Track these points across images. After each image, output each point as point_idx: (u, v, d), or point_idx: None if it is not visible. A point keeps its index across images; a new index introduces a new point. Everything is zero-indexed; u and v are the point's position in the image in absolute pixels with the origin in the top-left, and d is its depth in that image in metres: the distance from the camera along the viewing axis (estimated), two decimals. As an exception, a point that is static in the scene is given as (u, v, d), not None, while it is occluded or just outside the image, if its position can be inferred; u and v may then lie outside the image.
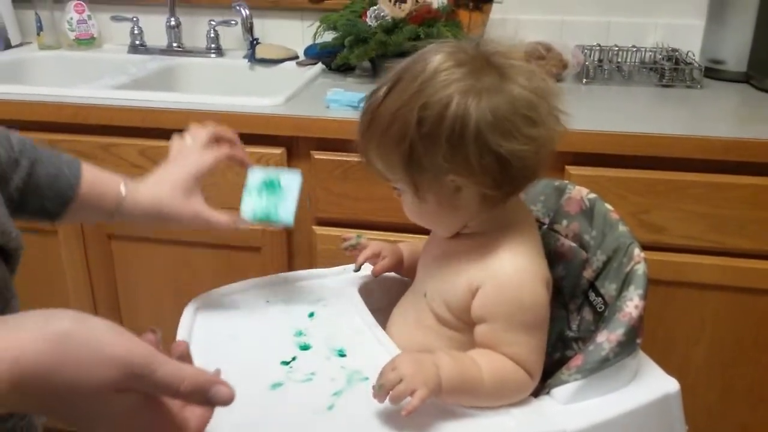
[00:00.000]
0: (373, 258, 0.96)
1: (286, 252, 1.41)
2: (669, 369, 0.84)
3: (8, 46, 1.92)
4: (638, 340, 0.78)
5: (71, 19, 1.89)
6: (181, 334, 0.86)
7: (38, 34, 1.91)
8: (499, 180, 0.75)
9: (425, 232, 0.88)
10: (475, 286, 0.78)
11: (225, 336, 0.86)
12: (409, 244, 0.98)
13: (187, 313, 0.90)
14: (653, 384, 0.80)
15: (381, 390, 0.70)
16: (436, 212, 0.80)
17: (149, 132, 1.36)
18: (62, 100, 1.39)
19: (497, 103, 0.72)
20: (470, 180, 0.75)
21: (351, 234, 0.99)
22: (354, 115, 1.29)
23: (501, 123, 0.72)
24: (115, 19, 1.90)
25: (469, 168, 0.73)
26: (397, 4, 1.54)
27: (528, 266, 0.78)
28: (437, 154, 0.73)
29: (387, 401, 0.70)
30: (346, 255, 0.97)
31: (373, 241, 0.97)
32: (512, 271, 0.77)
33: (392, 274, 1.01)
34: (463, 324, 0.81)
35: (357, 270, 0.97)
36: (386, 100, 0.76)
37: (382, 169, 0.80)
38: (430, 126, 0.72)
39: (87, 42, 1.92)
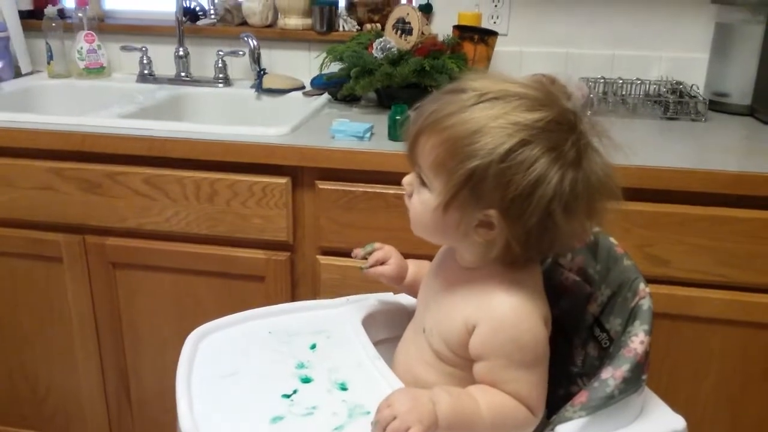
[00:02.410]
0: (381, 262, 0.95)
1: (289, 281, 1.41)
2: (675, 404, 0.83)
3: (18, 74, 1.94)
4: (644, 377, 0.77)
5: (81, 48, 1.91)
6: (182, 365, 0.85)
7: (48, 63, 1.93)
8: (532, 242, 0.75)
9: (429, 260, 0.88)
10: (472, 324, 0.77)
11: (226, 367, 0.86)
12: (416, 264, 0.97)
13: (189, 343, 0.90)
14: (659, 421, 0.79)
15: (377, 427, 0.69)
16: (447, 228, 0.77)
17: (155, 161, 1.37)
18: (70, 128, 1.40)
19: (576, 179, 0.73)
20: (508, 226, 0.74)
21: (358, 249, 0.97)
22: (359, 146, 1.30)
23: (571, 201, 0.73)
24: (124, 48, 1.92)
25: (517, 218, 0.73)
26: (403, 36, 1.56)
27: (524, 304, 0.77)
28: (502, 191, 0.72)
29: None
30: (359, 269, 0.96)
31: (389, 246, 0.96)
32: (508, 310, 0.76)
33: (396, 302, 1.00)
34: (461, 360, 0.80)
35: (366, 268, 0.95)
36: (482, 107, 0.73)
37: (425, 162, 0.76)
38: (514, 166, 0.70)
39: (96, 71, 1.95)
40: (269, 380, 0.83)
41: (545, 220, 0.72)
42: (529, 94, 0.74)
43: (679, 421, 0.80)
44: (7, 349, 1.60)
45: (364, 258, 0.96)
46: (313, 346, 0.90)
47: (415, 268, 0.97)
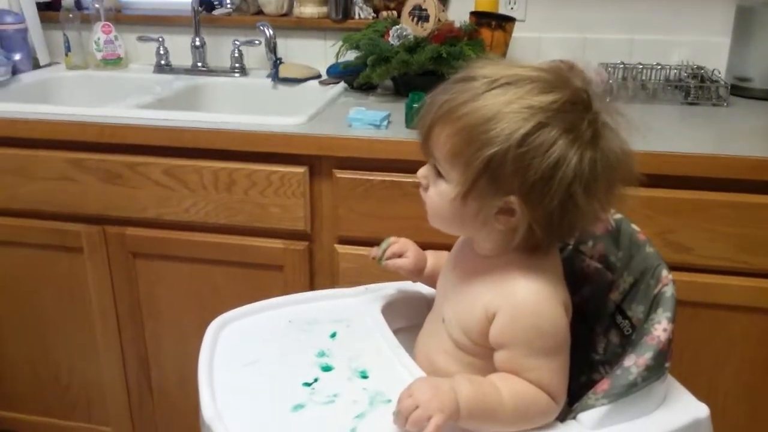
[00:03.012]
0: (399, 255, 0.95)
1: (308, 271, 1.41)
2: (696, 391, 0.82)
3: (37, 66, 1.95)
4: (667, 364, 0.76)
5: (98, 39, 1.92)
6: (203, 354, 0.86)
7: (66, 55, 1.94)
8: (553, 226, 0.74)
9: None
10: (492, 312, 0.77)
11: (247, 356, 0.86)
12: (434, 255, 0.97)
13: (210, 332, 0.90)
14: (682, 409, 0.79)
15: (399, 417, 0.70)
16: (466, 218, 0.77)
17: (174, 151, 1.38)
18: (88, 119, 1.41)
19: (594, 158, 0.72)
20: (530, 211, 0.73)
21: (374, 250, 0.97)
22: (376, 134, 1.30)
23: (591, 180, 0.72)
24: (141, 39, 1.93)
25: (539, 202, 0.72)
26: (420, 23, 1.55)
27: (544, 290, 0.76)
28: (521, 176, 0.71)
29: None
30: (376, 262, 0.96)
31: (405, 239, 0.96)
32: (528, 296, 0.76)
33: (415, 291, 1.00)
34: (481, 349, 0.80)
35: (381, 259, 0.95)
36: (495, 94, 0.72)
37: (440, 153, 0.75)
38: (533, 150, 0.70)
39: (114, 62, 1.95)
40: (290, 369, 0.83)
41: (566, 202, 0.72)
42: (541, 76, 0.73)
43: (703, 409, 0.79)
44: (30, 339, 1.62)
45: (379, 260, 0.95)
46: (333, 335, 0.90)
47: (433, 259, 0.97)
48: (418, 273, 0.96)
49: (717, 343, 1.28)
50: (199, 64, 1.90)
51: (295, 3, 1.88)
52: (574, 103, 0.72)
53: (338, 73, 1.69)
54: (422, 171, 0.80)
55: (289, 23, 1.87)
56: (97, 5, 1.91)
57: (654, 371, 0.75)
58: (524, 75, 0.73)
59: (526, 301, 0.76)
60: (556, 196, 0.71)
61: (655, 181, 1.20)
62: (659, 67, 1.64)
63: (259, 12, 1.92)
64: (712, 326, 1.27)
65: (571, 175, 0.71)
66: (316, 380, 0.81)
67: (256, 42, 1.84)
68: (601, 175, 0.73)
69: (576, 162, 0.71)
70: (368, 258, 0.97)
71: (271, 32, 1.78)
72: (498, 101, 0.71)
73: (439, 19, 1.53)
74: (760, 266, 1.22)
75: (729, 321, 1.26)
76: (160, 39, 1.92)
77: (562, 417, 0.78)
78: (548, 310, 0.76)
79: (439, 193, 0.77)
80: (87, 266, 1.51)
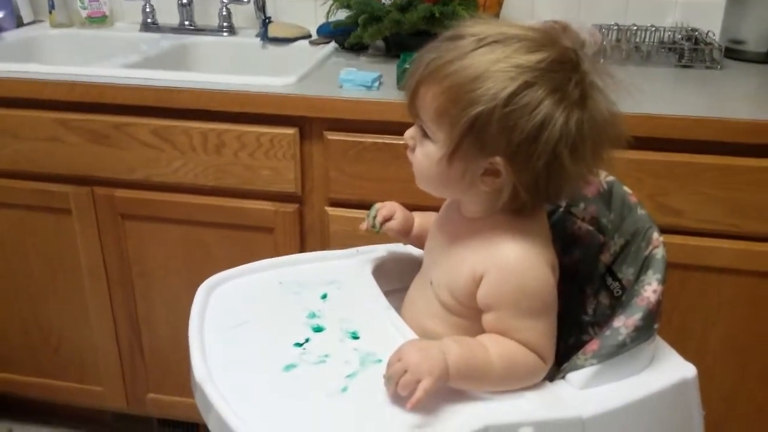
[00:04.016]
0: (388, 219, 0.95)
1: (298, 233, 1.41)
2: (685, 353, 0.83)
3: (20, 24, 1.91)
4: (656, 326, 0.77)
5: (83, -4, 1.88)
6: (194, 316, 0.86)
7: (50, 12, 1.90)
8: (540, 188, 0.74)
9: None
10: (479, 274, 0.77)
11: (238, 317, 0.86)
12: (421, 216, 0.97)
13: (200, 294, 0.90)
14: (670, 369, 0.80)
15: (390, 382, 0.70)
16: (452, 179, 0.76)
17: (162, 111, 1.36)
18: (74, 78, 1.39)
19: (581, 119, 0.71)
20: (515, 172, 0.72)
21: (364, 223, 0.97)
22: (367, 95, 1.28)
23: (578, 142, 0.71)
24: (127, -4, 1.89)
25: (524, 163, 0.71)
26: (412, -19, 1.52)
27: (530, 251, 0.76)
28: (507, 136, 0.70)
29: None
30: (368, 232, 0.96)
31: (390, 201, 0.96)
32: (514, 258, 0.76)
33: (406, 253, 1.00)
34: (469, 311, 0.80)
35: (377, 230, 0.95)
36: (482, 52, 0.71)
37: (426, 113, 0.75)
38: (519, 110, 0.69)
39: (99, 20, 1.91)
40: (281, 329, 0.83)
41: (552, 163, 0.71)
42: (529, 35, 0.72)
43: (690, 369, 0.80)
44: (20, 300, 1.62)
45: (374, 226, 0.95)
46: (324, 296, 0.90)
47: (420, 219, 0.97)
48: (406, 234, 0.96)
49: (705, 305, 1.29)
50: (187, 22, 1.86)
51: (284, -40, 1.84)
52: (561, 62, 0.71)
53: (329, 32, 1.67)
54: (409, 132, 0.80)
55: (279, -19, 1.83)
56: (81, -39, 1.87)
57: (643, 332, 0.76)
58: (512, 34, 0.72)
59: (513, 262, 0.76)
60: (541, 157, 0.71)
61: (647, 143, 1.20)
62: (653, 29, 1.62)
63: (248, -31, 1.87)
64: (701, 289, 1.28)
65: (557, 136, 0.70)
66: (307, 341, 0.81)
67: (245, 0, 1.81)
68: (588, 137, 0.72)
69: (562, 122, 0.70)
70: (359, 221, 0.97)
71: (260, -10, 1.75)
72: (485, 60, 0.70)
73: (431, -22, 1.50)
74: (750, 229, 1.22)
75: (718, 283, 1.27)
76: (147, -4, 1.88)
77: (551, 377, 0.78)
78: (535, 272, 0.76)
79: (425, 154, 0.77)
80: (75, 228, 1.50)
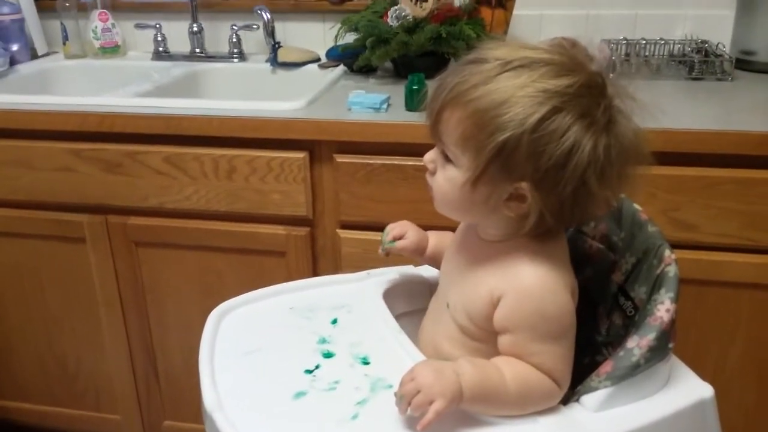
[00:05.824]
0: (399, 238, 0.94)
1: (310, 256, 1.41)
2: (702, 371, 0.81)
3: (35, 56, 1.94)
4: (670, 345, 0.76)
5: (96, 27, 1.90)
6: (204, 342, 0.86)
7: (64, 44, 1.93)
8: (565, 211, 0.73)
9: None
10: (497, 296, 0.76)
11: (249, 343, 0.86)
12: (437, 235, 0.96)
13: (211, 320, 0.90)
14: (686, 390, 0.78)
15: (402, 401, 0.69)
16: (475, 204, 0.75)
17: (173, 139, 1.37)
18: (86, 109, 1.40)
19: (609, 144, 0.71)
20: (541, 198, 0.71)
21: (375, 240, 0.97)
22: (376, 117, 1.29)
23: (606, 167, 0.71)
24: (138, 26, 1.91)
25: (551, 189, 0.71)
26: (419, 3, 1.53)
27: (550, 274, 0.75)
28: (534, 162, 0.69)
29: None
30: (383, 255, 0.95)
31: (403, 221, 0.96)
32: (533, 281, 0.75)
33: (418, 275, 1.00)
34: (486, 334, 0.79)
35: (386, 246, 0.94)
36: (507, 76, 0.70)
37: (450, 137, 0.73)
38: (547, 135, 0.68)
39: (112, 50, 1.94)
40: (291, 356, 0.83)
41: (579, 188, 0.70)
42: (555, 59, 0.71)
43: (707, 389, 0.78)
44: (36, 330, 1.63)
45: (384, 245, 0.95)
46: (335, 321, 0.90)
47: (436, 240, 0.96)
48: (420, 253, 0.95)
49: (723, 321, 1.27)
50: (198, 50, 1.89)
51: (292, -14, 1.85)
52: (589, 87, 0.71)
53: (337, 56, 1.68)
54: (429, 155, 0.79)
55: (287, 6, 1.85)
56: (93, -7, 1.90)
57: (657, 352, 0.74)
58: (538, 58, 0.71)
59: (532, 285, 0.75)
60: (569, 182, 0.70)
61: (659, 158, 1.16)
62: (663, 42, 1.61)
63: (257, -4, 1.90)
64: (718, 304, 1.26)
65: (586, 162, 0.69)
66: (317, 367, 0.81)
67: (254, 26, 1.83)
68: (615, 162, 0.72)
69: (591, 148, 0.69)
70: (371, 242, 0.97)
71: (269, 16, 1.76)
72: (511, 84, 0.69)
73: (437, -1, 1.51)
74: (766, 243, 1.20)
75: (736, 299, 1.25)
76: (158, 26, 1.90)
77: (565, 400, 0.77)
78: (554, 295, 0.75)
79: (447, 179, 0.76)
80: (90, 256, 1.51)
